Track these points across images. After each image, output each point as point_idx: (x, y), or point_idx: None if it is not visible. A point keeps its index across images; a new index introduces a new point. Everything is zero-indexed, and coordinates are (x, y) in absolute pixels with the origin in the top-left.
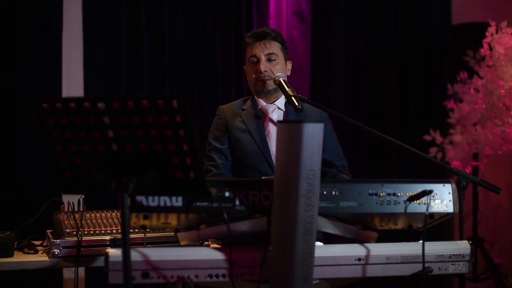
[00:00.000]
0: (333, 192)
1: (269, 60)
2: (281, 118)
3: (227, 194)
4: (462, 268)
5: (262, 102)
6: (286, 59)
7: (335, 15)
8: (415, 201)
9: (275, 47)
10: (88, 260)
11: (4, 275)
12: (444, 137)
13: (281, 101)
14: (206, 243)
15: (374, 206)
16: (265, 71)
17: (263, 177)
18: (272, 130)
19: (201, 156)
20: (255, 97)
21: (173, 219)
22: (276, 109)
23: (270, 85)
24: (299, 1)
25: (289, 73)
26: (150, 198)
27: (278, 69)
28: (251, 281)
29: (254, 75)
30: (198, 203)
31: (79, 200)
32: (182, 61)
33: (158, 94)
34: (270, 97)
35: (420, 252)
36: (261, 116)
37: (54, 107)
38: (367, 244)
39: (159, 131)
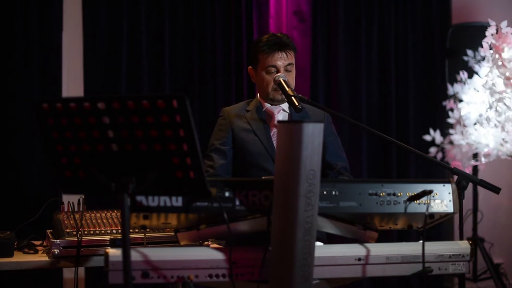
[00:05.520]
0: (333, 192)
1: (286, 70)
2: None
3: (227, 194)
4: (462, 268)
5: (267, 104)
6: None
7: (335, 15)
8: (415, 201)
9: (292, 57)
10: (88, 260)
11: (4, 275)
12: (444, 137)
13: (286, 104)
14: (206, 243)
15: (374, 206)
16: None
17: (263, 177)
18: None
19: (201, 156)
20: (261, 100)
21: (173, 219)
22: (281, 110)
23: None
24: (299, 1)
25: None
26: (150, 198)
27: (293, 77)
28: (251, 281)
29: (272, 84)
30: (198, 203)
31: (79, 200)
32: (182, 61)
33: (158, 94)
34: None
35: (420, 252)
36: (267, 117)
37: (54, 107)
38: (367, 244)
39: (159, 131)
